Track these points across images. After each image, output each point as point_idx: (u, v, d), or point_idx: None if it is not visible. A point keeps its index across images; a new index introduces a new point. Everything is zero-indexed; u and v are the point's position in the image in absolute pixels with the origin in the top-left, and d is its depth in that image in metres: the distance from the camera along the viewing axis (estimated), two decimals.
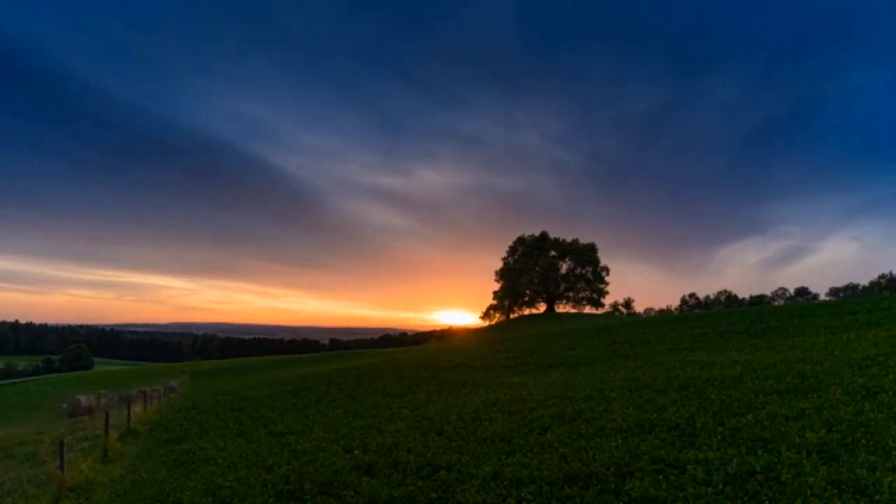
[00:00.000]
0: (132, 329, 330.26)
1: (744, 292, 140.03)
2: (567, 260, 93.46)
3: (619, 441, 7.77)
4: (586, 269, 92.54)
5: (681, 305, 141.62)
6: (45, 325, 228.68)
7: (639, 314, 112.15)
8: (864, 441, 6.19)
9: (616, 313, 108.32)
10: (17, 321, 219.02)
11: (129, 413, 16.96)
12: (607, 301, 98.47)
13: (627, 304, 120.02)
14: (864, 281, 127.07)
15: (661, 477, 6.12)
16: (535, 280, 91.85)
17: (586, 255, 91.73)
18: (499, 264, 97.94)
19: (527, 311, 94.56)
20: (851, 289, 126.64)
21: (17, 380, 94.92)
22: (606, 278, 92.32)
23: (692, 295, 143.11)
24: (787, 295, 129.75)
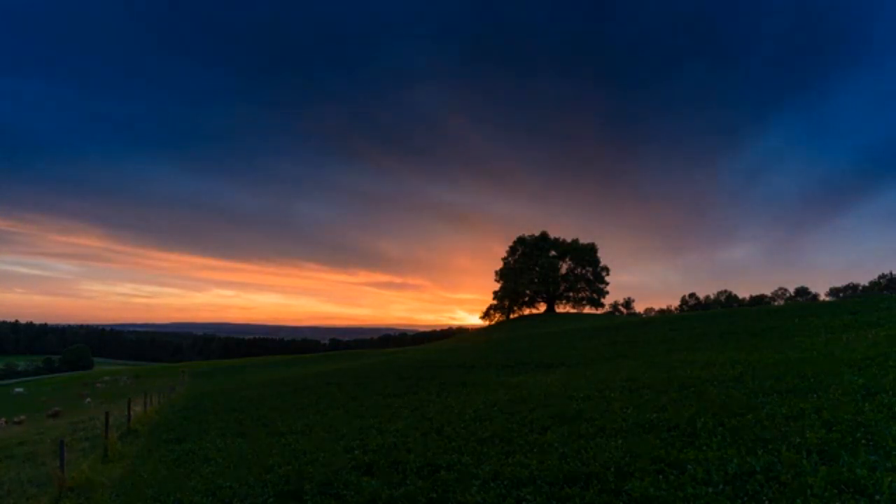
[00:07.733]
0: (132, 329, 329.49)
1: (744, 292, 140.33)
2: (567, 260, 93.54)
3: (619, 441, 7.76)
4: (586, 269, 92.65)
5: (681, 305, 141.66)
6: (45, 325, 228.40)
7: (639, 314, 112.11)
8: (864, 441, 6.19)
9: (616, 313, 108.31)
10: (17, 321, 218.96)
11: (129, 413, 16.96)
12: (607, 301, 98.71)
13: (627, 304, 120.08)
14: (864, 281, 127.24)
15: (661, 477, 6.12)
16: (535, 280, 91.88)
17: (586, 255, 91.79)
18: None
19: (527, 311, 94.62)
20: (851, 289, 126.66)
21: (17, 379, 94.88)
22: (606, 278, 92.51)
23: (692, 295, 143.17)
24: (787, 295, 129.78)
